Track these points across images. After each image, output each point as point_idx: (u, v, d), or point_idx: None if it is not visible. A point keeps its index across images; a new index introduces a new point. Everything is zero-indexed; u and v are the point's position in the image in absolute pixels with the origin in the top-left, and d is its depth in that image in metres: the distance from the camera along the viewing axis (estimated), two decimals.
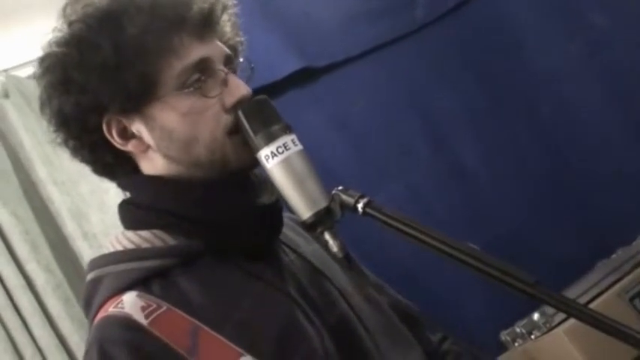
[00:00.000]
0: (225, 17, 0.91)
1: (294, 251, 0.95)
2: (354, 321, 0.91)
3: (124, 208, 0.93)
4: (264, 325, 0.83)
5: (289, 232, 0.98)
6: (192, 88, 0.85)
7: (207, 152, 0.86)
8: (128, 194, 0.95)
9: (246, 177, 0.93)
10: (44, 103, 0.89)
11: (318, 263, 0.96)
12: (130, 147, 0.89)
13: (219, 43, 0.90)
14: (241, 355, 0.78)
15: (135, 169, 0.92)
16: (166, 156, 0.88)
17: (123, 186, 0.95)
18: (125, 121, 0.87)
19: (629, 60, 2.34)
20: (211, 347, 0.78)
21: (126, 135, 0.88)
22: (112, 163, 0.91)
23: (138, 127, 0.87)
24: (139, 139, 0.88)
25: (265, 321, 0.83)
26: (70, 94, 0.85)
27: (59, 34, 0.87)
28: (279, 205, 0.90)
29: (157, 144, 0.87)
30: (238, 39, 0.94)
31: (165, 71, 0.84)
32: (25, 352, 1.80)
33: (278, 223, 0.93)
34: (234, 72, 0.92)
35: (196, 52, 0.86)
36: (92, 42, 0.84)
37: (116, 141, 0.88)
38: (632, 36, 2.34)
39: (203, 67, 0.86)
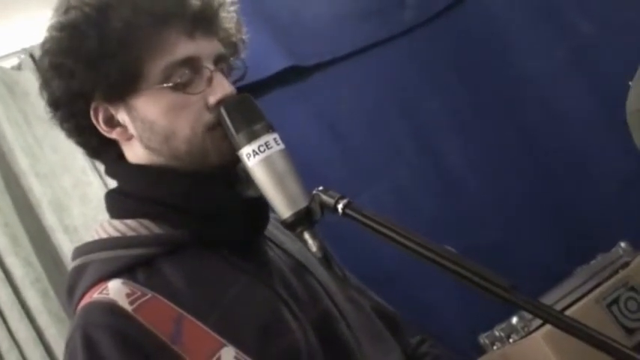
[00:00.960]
0: (223, 14, 0.91)
1: (280, 247, 0.96)
2: (337, 317, 0.92)
3: (111, 196, 0.94)
4: (247, 317, 0.83)
5: (275, 230, 0.99)
6: (171, 84, 0.86)
7: (186, 146, 0.87)
8: (114, 183, 0.96)
9: (234, 171, 0.93)
10: (41, 85, 0.92)
11: (303, 260, 0.96)
12: (114, 134, 0.90)
13: (213, 41, 0.90)
14: (224, 345, 0.79)
15: (120, 155, 0.93)
16: (147, 147, 0.89)
17: (110, 173, 0.96)
18: (112, 109, 0.89)
19: (615, 66, 2.35)
20: (195, 336, 0.79)
21: (112, 123, 0.90)
22: (97, 147, 0.93)
23: (122, 116, 0.89)
24: (124, 127, 0.89)
25: (249, 313, 0.84)
26: (61, 79, 0.87)
27: (58, 19, 0.89)
28: (265, 199, 0.90)
29: (138, 134, 0.88)
30: (240, 36, 0.95)
31: (148, 65, 0.85)
32: (2, 345, 1.79)
33: (264, 217, 0.93)
34: (229, 69, 0.93)
35: (183, 49, 0.86)
36: (81, 30, 0.85)
37: (102, 127, 0.90)
38: (618, 42, 2.36)
39: (189, 64, 0.87)
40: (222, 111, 0.86)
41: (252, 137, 0.83)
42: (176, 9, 0.86)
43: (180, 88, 0.86)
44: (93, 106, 0.88)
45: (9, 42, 2.02)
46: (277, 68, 2.20)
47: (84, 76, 0.86)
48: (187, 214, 0.87)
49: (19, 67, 2.09)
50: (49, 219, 1.92)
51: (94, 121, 0.89)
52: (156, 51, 0.85)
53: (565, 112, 2.42)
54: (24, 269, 1.86)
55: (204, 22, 0.89)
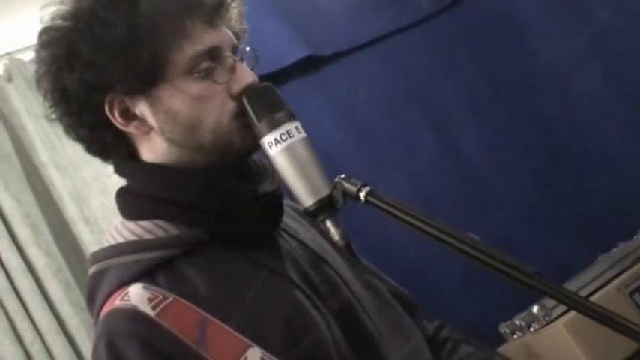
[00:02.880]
0: (233, 4, 0.91)
1: (294, 238, 0.95)
2: (356, 306, 0.91)
3: (123, 197, 0.91)
4: (271, 314, 0.82)
5: (287, 220, 0.98)
6: (201, 74, 0.85)
7: (212, 136, 0.85)
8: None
9: (246, 165, 0.92)
10: (42, 77, 0.87)
11: (318, 249, 0.95)
12: (131, 128, 0.87)
13: (228, 31, 0.89)
14: (250, 346, 0.78)
15: (130, 153, 0.90)
16: (169, 139, 0.86)
17: (121, 173, 0.92)
18: (128, 102, 0.86)
19: (632, 53, 2.33)
20: (219, 339, 0.78)
21: (127, 116, 0.87)
22: (110, 143, 0.89)
23: (142, 108, 0.86)
24: (142, 120, 0.86)
25: (272, 309, 0.83)
26: (74, 70, 0.83)
27: (65, 8, 0.85)
28: (279, 192, 0.90)
29: (160, 127, 0.86)
30: (241, 27, 0.94)
31: (176, 54, 0.83)
32: (25, 336, 1.81)
33: (279, 211, 0.92)
34: (241, 59, 0.91)
35: (208, 38, 0.85)
36: (104, 18, 0.82)
37: (118, 121, 0.86)
38: (635, 30, 2.33)
39: (212, 53, 0.85)
40: (245, 100, 0.85)
41: (273, 126, 0.83)
42: None
43: (206, 77, 0.85)
44: (108, 98, 0.85)
45: (27, 34, 2.03)
46: (294, 58, 2.19)
47: (106, 68, 0.82)
48: (204, 213, 0.86)
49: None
50: (70, 210, 1.94)
51: (109, 115, 0.86)
52: (183, 40, 0.83)
53: (583, 99, 2.39)
54: (46, 260, 1.88)
55: (222, 11, 0.88)
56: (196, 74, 0.84)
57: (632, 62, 2.33)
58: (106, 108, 0.86)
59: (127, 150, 0.90)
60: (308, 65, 2.24)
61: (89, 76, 0.83)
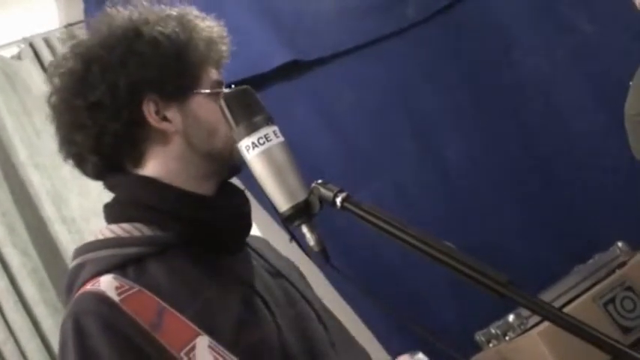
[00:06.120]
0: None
1: (261, 257, 1.03)
2: (314, 319, 0.99)
3: (109, 207, 0.99)
4: (225, 310, 0.90)
5: (261, 248, 1.06)
6: (214, 95, 0.97)
7: (223, 144, 0.95)
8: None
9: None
10: (95, 71, 0.94)
11: (282, 270, 1.04)
12: (163, 126, 0.95)
13: None
14: (199, 334, 0.85)
15: (123, 170, 0.97)
16: (188, 142, 0.95)
17: (110, 186, 1.00)
18: (161, 106, 0.95)
19: (614, 66, 2.36)
20: (174, 325, 0.85)
21: (159, 116, 0.95)
22: (137, 141, 0.96)
23: (173, 112, 0.95)
24: (170, 122, 0.95)
25: (227, 307, 0.90)
26: (129, 68, 0.93)
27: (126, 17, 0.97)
28: (248, 207, 0.99)
29: (184, 129, 0.95)
30: None
31: (205, 74, 0.98)
32: None
33: (248, 222, 1.00)
34: None
35: (216, 73, 1.00)
36: (169, 32, 0.95)
37: (153, 117, 0.94)
38: (618, 43, 2.37)
39: (219, 85, 0.99)
40: (222, 103, 0.87)
41: (252, 129, 0.84)
42: (220, 40, 1.00)
43: (217, 99, 0.95)
44: (146, 98, 0.94)
45: (9, 31, 2.01)
46: (278, 62, 2.20)
47: (161, 69, 0.93)
48: (177, 219, 0.93)
49: (19, 57, 2.08)
50: (47, 210, 1.91)
51: (146, 112, 0.94)
52: (210, 64, 0.99)
53: (565, 111, 2.42)
54: (21, 259, 1.85)
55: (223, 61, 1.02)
56: (213, 94, 0.96)
57: (612, 72, 2.36)
58: (144, 105, 0.94)
59: (140, 153, 0.96)
60: (292, 70, 2.25)
61: (144, 73, 0.93)
